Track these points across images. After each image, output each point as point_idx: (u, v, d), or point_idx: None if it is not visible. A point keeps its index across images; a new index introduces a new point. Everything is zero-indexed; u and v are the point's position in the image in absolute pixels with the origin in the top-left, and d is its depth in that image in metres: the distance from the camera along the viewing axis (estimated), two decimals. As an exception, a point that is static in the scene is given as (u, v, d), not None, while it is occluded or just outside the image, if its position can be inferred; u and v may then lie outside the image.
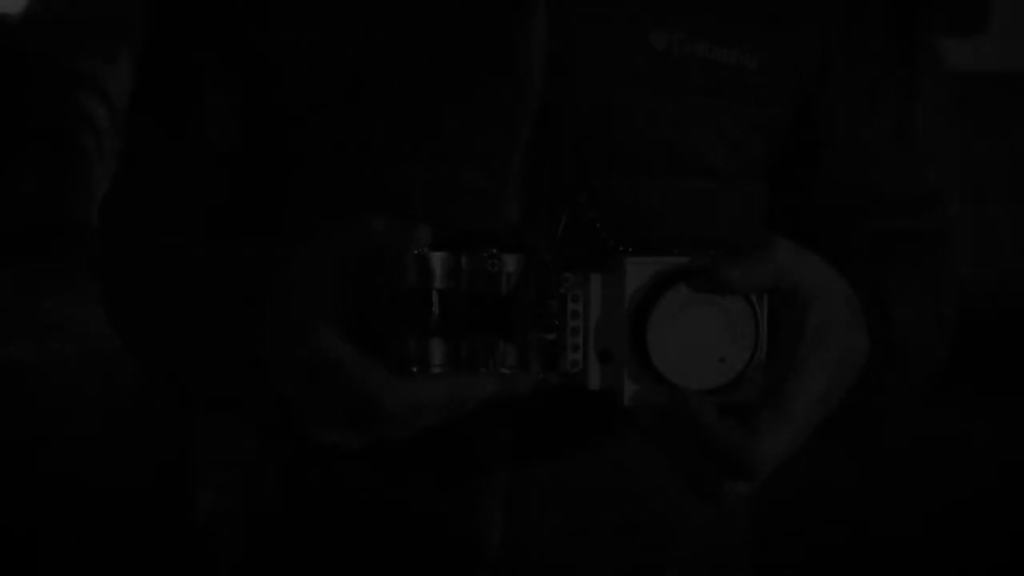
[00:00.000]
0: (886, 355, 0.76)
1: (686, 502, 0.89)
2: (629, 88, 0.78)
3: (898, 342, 0.76)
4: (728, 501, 0.70)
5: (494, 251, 0.67)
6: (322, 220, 0.71)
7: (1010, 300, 6.99)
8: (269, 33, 0.80)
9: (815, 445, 0.77)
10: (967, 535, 3.84)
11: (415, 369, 0.66)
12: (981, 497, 4.23)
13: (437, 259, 0.66)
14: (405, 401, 0.66)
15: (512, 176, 0.79)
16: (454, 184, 0.78)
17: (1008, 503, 4.13)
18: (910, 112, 0.92)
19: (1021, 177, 7.22)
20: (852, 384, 0.73)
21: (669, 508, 0.89)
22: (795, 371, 0.68)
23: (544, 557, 0.85)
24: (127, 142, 0.92)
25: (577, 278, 0.69)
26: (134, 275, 0.87)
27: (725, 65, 0.80)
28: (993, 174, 7.27)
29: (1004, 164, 7.31)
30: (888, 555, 3.69)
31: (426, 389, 0.66)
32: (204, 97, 0.84)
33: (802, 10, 0.84)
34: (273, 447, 0.94)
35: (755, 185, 0.87)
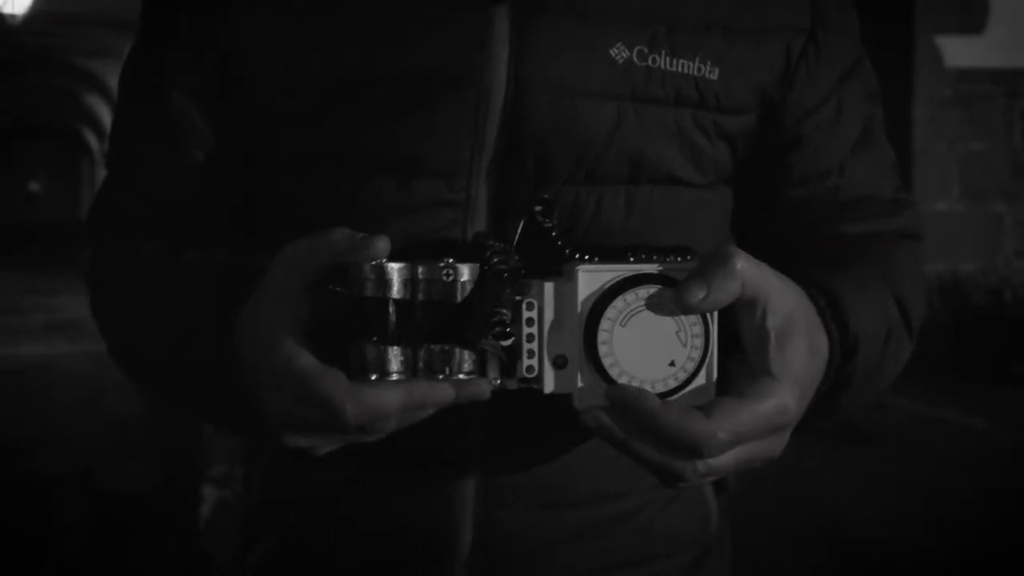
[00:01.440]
0: (844, 351, 0.76)
1: (658, 499, 0.90)
2: (590, 99, 0.79)
3: (853, 337, 0.77)
4: (691, 482, 0.70)
5: (450, 260, 0.69)
6: (295, 231, 0.72)
7: (1009, 295, 6.99)
8: (245, 43, 0.82)
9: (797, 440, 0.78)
10: (962, 528, 3.84)
11: (374, 377, 0.68)
12: (977, 490, 4.24)
13: (394, 270, 0.68)
14: (364, 407, 0.67)
15: (478, 187, 0.80)
16: (422, 195, 0.79)
17: (1004, 494, 4.14)
18: (874, 117, 0.91)
19: (1019, 173, 7.23)
20: (820, 380, 0.74)
21: (641, 505, 0.89)
22: (769, 375, 0.69)
23: (516, 555, 0.86)
24: (111, 151, 0.92)
25: (532, 286, 0.70)
26: (118, 282, 0.89)
27: (686, 76, 0.80)
28: (992, 170, 7.28)
29: (1003, 160, 7.33)
30: (873, 547, 3.71)
31: (384, 396, 0.67)
32: (185, 109, 0.85)
33: (764, 20, 0.84)
34: (260, 448, 0.95)
35: (719, 190, 0.87)
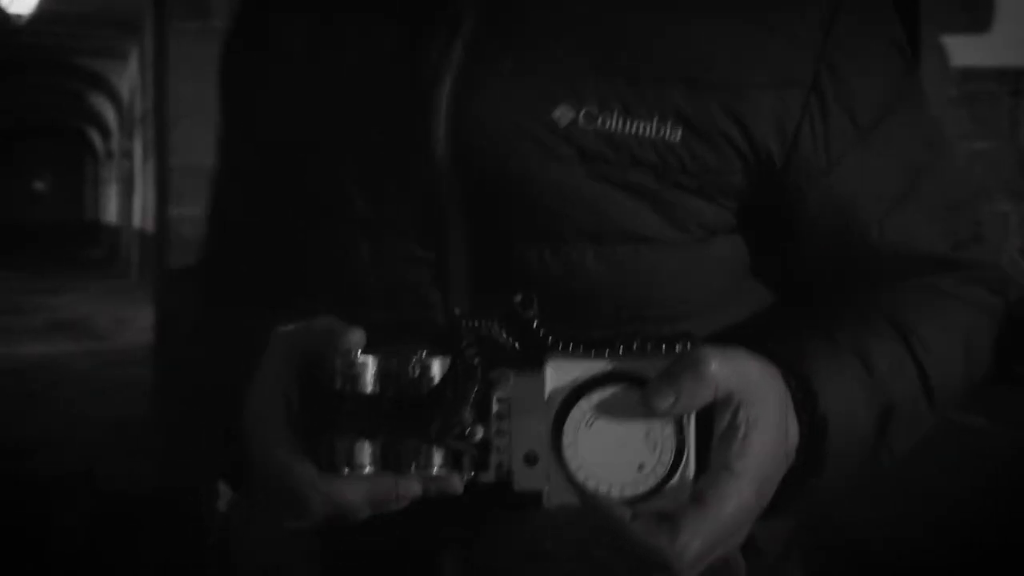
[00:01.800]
0: (812, 433, 0.72)
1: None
2: (532, 161, 0.74)
3: (821, 420, 0.72)
4: None
5: (423, 354, 0.68)
6: (305, 282, 0.79)
7: (1012, 294, 6.97)
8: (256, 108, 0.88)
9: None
10: (962, 527, 3.84)
11: (345, 470, 0.68)
12: (977, 489, 4.23)
13: (365, 364, 0.68)
14: (329, 501, 0.68)
15: (449, 245, 0.79)
16: (393, 252, 0.80)
17: (1005, 496, 4.13)
18: (925, 162, 0.80)
19: (1024, 173, 7.23)
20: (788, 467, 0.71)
21: None
22: (728, 471, 0.66)
23: None
24: (208, 231, 1.00)
25: (503, 378, 0.68)
26: (186, 339, 0.98)
27: (642, 139, 0.73)
28: (997, 169, 7.27)
29: (1008, 159, 7.32)
30: (873, 547, 3.71)
31: (350, 490, 0.68)
32: (241, 192, 0.92)
33: (745, 75, 0.75)
34: None
35: (717, 242, 0.79)
